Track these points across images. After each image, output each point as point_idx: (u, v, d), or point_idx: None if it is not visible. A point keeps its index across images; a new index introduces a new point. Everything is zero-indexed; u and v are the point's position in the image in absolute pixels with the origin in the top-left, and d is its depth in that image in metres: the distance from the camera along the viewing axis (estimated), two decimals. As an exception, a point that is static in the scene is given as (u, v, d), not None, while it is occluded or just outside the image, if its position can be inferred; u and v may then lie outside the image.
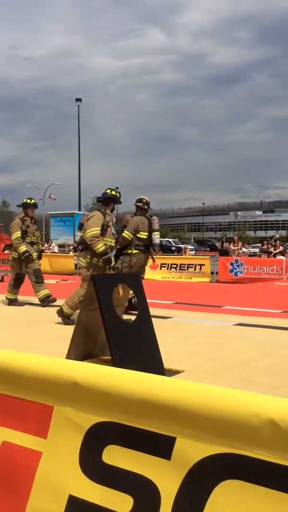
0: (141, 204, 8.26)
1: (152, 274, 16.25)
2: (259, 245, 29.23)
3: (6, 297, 9.01)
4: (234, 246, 22.83)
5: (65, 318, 6.84)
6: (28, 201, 9.29)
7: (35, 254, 8.95)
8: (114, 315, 3.98)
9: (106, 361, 4.08)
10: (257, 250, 29.51)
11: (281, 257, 18.74)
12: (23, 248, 8.75)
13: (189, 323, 6.96)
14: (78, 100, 38.93)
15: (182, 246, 31.64)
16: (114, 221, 7.37)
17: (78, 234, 7.81)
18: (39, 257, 9.20)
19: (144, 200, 8.31)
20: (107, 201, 7.07)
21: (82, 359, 4.07)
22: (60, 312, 6.89)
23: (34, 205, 9.36)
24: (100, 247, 6.54)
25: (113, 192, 7.16)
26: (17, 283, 8.97)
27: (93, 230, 6.58)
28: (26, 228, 8.95)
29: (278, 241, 22.69)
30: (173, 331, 6.34)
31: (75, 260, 15.76)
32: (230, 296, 8.64)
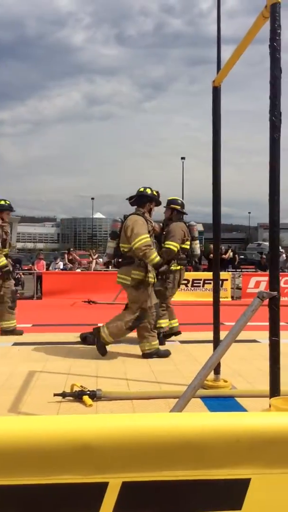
0: (178, 206, 6.39)
1: None
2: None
3: None
4: None
5: (101, 347, 5.32)
6: (3, 202, 6.82)
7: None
8: None
9: None
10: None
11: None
12: (3, 260, 6.56)
13: None
14: None
15: None
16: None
17: (111, 245, 5.75)
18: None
19: (180, 201, 6.50)
20: (142, 200, 5.55)
21: None
22: (98, 339, 5.31)
23: (10, 208, 6.94)
24: (154, 257, 5.28)
25: (148, 190, 5.58)
26: None
27: (143, 237, 5.24)
28: (5, 236, 6.69)
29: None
30: None
31: None
32: None
